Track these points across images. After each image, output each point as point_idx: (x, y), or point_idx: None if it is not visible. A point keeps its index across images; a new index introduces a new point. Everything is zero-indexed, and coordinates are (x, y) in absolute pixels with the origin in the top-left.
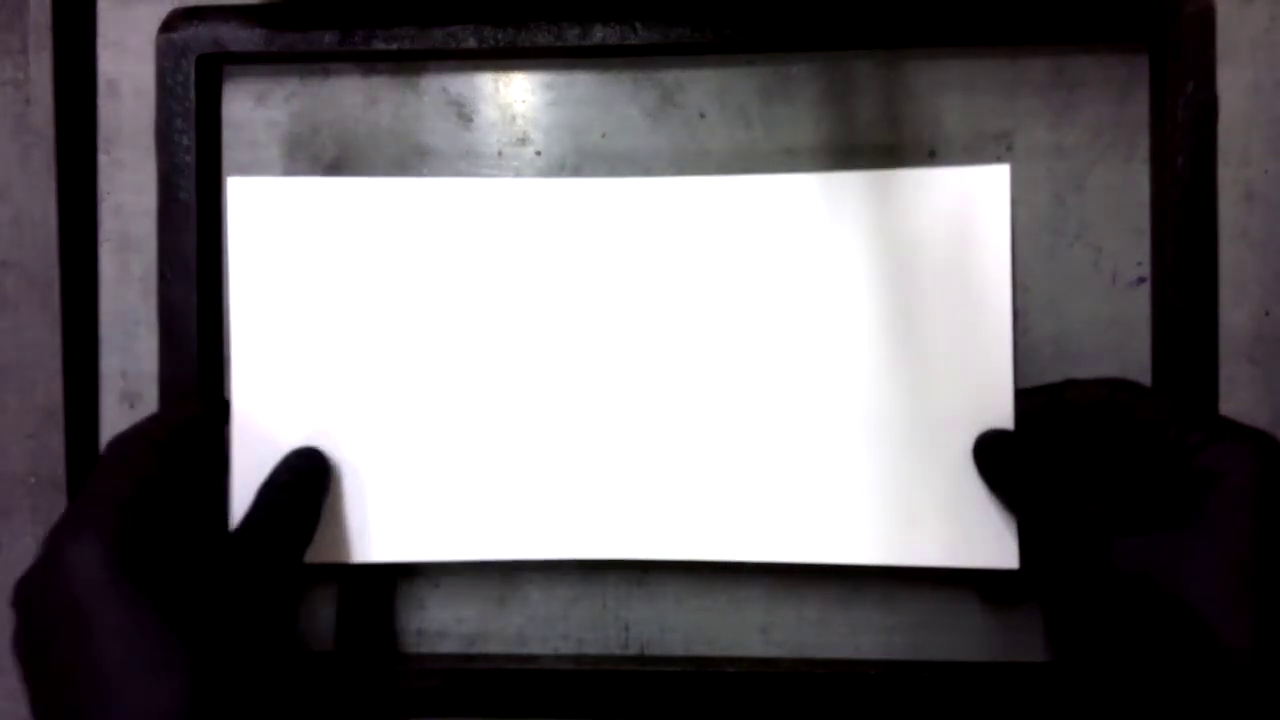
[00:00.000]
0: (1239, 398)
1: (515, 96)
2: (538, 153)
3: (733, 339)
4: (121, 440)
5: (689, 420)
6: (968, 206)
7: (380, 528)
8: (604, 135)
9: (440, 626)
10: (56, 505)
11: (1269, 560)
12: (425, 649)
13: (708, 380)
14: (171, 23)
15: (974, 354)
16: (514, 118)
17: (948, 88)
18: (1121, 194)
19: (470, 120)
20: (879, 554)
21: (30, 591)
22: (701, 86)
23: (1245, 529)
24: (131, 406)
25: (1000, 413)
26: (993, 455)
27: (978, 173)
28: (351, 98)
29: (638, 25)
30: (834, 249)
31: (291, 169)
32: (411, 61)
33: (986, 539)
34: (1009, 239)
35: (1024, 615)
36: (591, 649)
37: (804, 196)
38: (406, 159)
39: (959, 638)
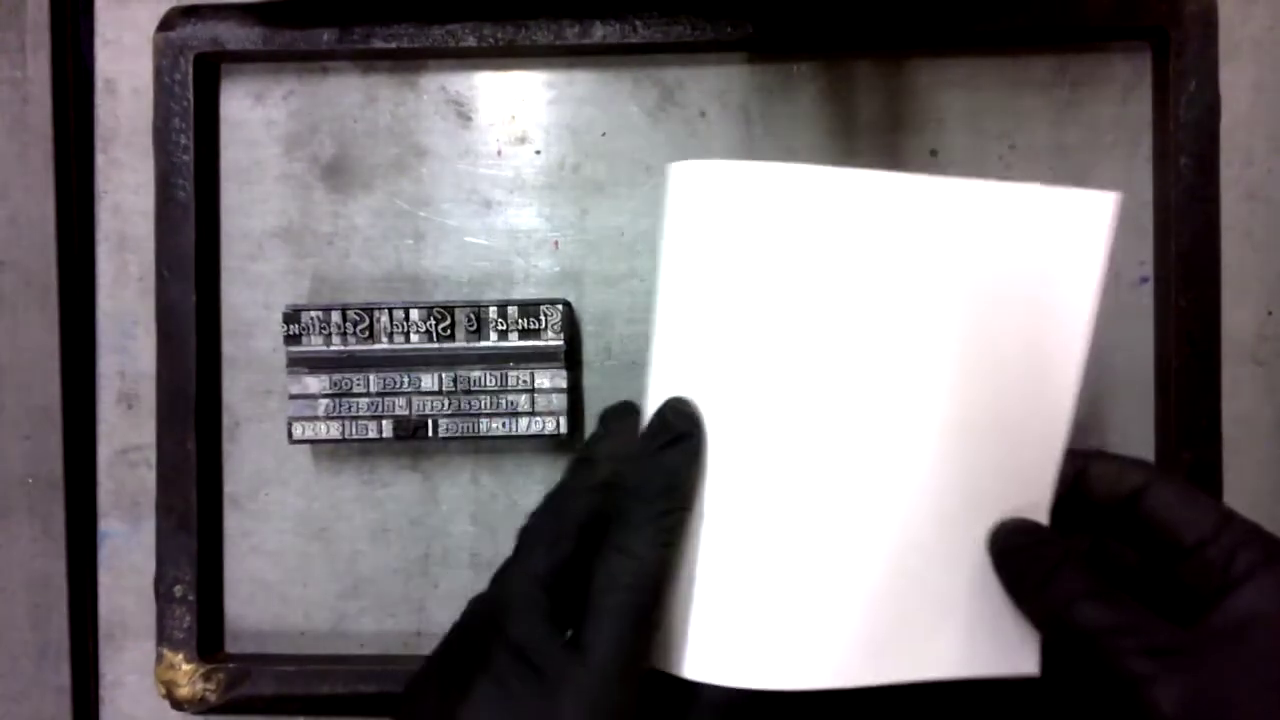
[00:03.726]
0: (1242, 398)
1: (515, 96)
2: (537, 152)
3: None
4: None
5: None
6: (1053, 239)
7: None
8: (604, 134)
9: (440, 627)
10: (54, 505)
11: None
12: (425, 649)
13: None
14: (169, 21)
15: (1023, 419)
16: (514, 117)
17: (949, 86)
18: (1124, 193)
19: (470, 119)
20: (867, 672)
21: None
22: (702, 85)
23: None
24: (129, 407)
25: (1035, 497)
26: (1010, 555)
27: (1073, 197)
28: (350, 96)
29: (638, 24)
30: (892, 264)
31: (289, 168)
32: (410, 60)
33: (1005, 637)
34: (1096, 292)
35: None
36: None
37: (876, 200)
38: (405, 158)
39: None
